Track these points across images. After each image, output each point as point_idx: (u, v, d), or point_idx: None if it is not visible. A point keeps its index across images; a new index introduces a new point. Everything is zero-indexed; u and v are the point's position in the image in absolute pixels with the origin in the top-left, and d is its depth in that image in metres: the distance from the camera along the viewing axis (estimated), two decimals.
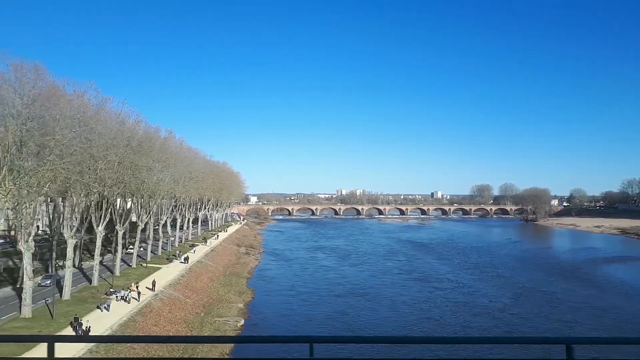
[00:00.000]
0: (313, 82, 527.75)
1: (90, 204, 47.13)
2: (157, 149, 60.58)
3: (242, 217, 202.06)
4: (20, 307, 39.00)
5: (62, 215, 46.40)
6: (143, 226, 62.86)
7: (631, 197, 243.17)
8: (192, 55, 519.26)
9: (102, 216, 48.99)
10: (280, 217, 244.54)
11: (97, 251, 49.63)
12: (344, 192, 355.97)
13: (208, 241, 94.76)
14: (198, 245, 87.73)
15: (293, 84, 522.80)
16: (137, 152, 50.71)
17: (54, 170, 32.67)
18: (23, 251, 36.11)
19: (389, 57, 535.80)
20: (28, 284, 36.23)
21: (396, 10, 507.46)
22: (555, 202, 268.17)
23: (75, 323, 33.75)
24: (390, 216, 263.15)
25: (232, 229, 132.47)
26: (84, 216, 47.31)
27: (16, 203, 32.92)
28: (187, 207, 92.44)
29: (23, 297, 36.52)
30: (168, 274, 58.07)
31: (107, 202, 49.55)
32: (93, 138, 40.73)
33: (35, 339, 4.48)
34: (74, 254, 50.63)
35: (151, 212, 64.62)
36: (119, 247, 55.95)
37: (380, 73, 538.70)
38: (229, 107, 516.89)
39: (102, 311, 39.23)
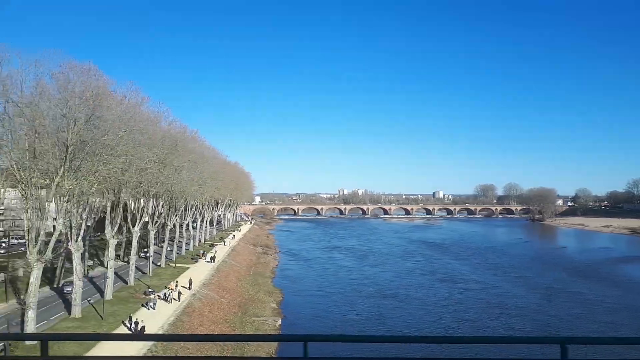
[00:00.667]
0: (313, 81, 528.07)
1: (127, 204, 47.18)
2: (185, 148, 60.70)
3: (249, 217, 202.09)
4: (65, 307, 39.16)
5: (99, 215, 46.23)
6: (171, 226, 62.91)
7: (636, 197, 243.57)
8: (192, 54, 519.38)
9: (140, 216, 49.04)
10: (287, 217, 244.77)
11: (134, 251, 49.70)
12: (345, 192, 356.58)
13: (226, 241, 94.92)
14: (217, 245, 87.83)
15: (293, 84, 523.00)
16: (172, 152, 50.78)
17: (109, 169, 32.75)
18: (73, 251, 36.19)
19: (390, 56, 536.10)
20: (78, 284, 36.30)
21: (399, 9, 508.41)
22: (560, 202, 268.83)
23: (130, 322, 33.85)
24: (395, 216, 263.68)
25: (244, 229, 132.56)
26: (121, 216, 47.33)
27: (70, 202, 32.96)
28: (206, 207, 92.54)
29: (73, 297, 36.59)
30: (198, 273, 58.08)
31: (144, 202, 49.55)
32: (135, 138, 40.80)
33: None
34: (107, 255, 50.60)
35: (178, 212, 64.70)
36: (151, 247, 56.01)
37: (380, 72, 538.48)
38: (229, 106, 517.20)
39: (148, 310, 39.35)
